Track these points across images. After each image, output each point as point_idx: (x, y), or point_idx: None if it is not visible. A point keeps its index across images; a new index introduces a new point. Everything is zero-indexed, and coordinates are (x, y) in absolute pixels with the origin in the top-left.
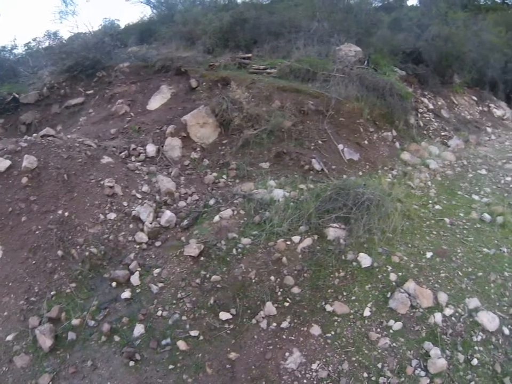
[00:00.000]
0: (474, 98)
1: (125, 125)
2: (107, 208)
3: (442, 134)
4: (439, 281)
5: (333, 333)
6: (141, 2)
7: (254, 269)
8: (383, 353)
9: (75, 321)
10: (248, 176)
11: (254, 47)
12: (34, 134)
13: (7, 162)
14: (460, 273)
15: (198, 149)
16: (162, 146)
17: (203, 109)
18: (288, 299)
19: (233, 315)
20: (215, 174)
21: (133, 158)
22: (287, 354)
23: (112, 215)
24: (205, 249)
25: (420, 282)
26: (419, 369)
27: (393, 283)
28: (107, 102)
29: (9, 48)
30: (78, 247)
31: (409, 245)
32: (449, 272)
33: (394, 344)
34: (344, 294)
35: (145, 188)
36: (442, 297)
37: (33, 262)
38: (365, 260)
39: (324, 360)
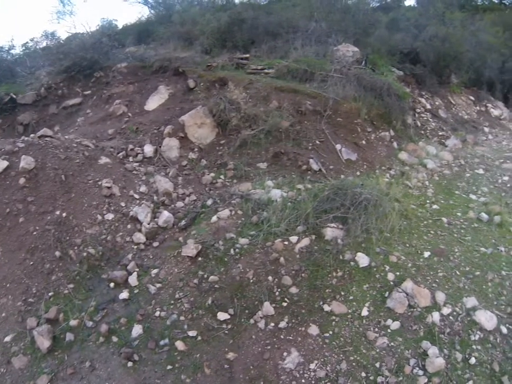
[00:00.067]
0: (472, 98)
1: (123, 125)
2: (105, 209)
3: (440, 134)
4: (437, 280)
5: (331, 332)
6: (139, 2)
7: (252, 269)
8: (381, 353)
9: (73, 322)
10: (246, 176)
11: (251, 48)
12: (32, 135)
13: (5, 163)
14: (457, 272)
15: (196, 149)
16: (160, 146)
17: (201, 109)
18: (286, 299)
19: (231, 315)
20: (212, 174)
21: (130, 159)
22: (285, 354)
23: (110, 216)
24: (202, 250)
25: (417, 281)
26: (417, 369)
27: (391, 283)
28: (105, 102)
29: (7, 49)
30: (75, 247)
31: (407, 245)
32: (447, 272)
33: (392, 344)
34: (342, 293)
35: (143, 189)
36: (440, 296)
37: (31, 263)
38: (363, 260)
39: (322, 359)
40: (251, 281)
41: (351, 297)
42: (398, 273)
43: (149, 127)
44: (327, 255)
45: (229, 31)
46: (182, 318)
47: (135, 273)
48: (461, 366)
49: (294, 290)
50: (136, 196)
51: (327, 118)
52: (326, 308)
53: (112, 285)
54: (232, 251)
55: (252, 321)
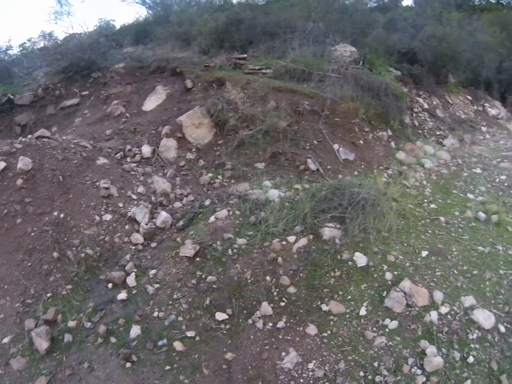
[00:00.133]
0: (469, 97)
1: (121, 126)
2: (103, 210)
3: (437, 133)
4: (435, 279)
5: (329, 332)
6: (137, 2)
7: (250, 269)
8: (379, 352)
9: (71, 323)
10: (244, 176)
11: (249, 48)
12: (29, 135)
13: (2, 164)
14: (455, 271)
15: (194, 149)
16: (158, 147)
17: (198, 110)
18: (284, 299)
19: (229, 315)
20: (210, 174)
21: (128, 159)
22: (283, 354)
23: (107, 216)
24: (200, 250)
25: (415, 281)
26: (415, 368)
27: (389, 282)
28: (102, 103)
29: (4, 49)
30: (73, 248)
31: (405, 244)
32: (444, 271)
33: (390, 343)
34: (340, 293)
35: (140, 189)
36: (438, 295)
37: (29, 264)
38: (361, 259)
39: (320, 359)
40: (249, 281)
41: (349, 297)
42: (396, 272)
43: (147, 127)
44: (325, 255)
45: (227, 31)
46: (180, 318)
47: (133, 273)
48: (459, 365)
49: (292, 290)
50: (134, 197)
51: (325, 118)
52: (324, 307)
53: (110, 285)
54: (230, 251)
55: (250, 321)
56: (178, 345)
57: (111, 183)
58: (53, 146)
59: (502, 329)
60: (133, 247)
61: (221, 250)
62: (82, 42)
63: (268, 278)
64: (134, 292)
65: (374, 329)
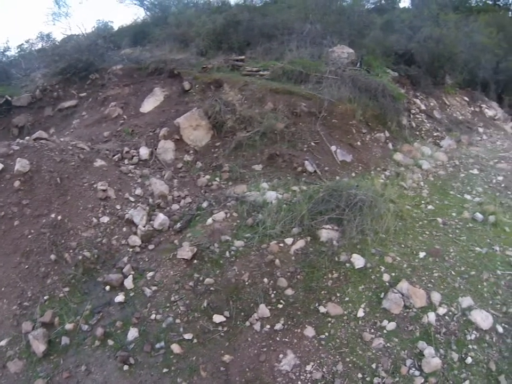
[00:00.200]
0: (466, 99)
1: (118, 127)
2: (100, 212)
3: (435, 134)
4: (432, 280)
5: (326, 334)
6: (135, 4)
7: (247, 271)
8: (377, 354)
9: (68, 326)
10: (241, 178)
11: (247, 49)
12: (27, 137)
13: None
14: (452, 272)
15: (191, 151)
16: (156, 149)
17: (196, 112)
18: (281, 301)
19: (227, 318)
20: (208, 176)
21: (126, 161)
22: (281, 356)
23: (105, 219)
24: (198, 252)
25: (413, 282)
26: (413, 369)
27: (387, 283)
28: (100, 104)
29: (2, 50)
30: (71, 251)
31: (402, 245)
32: (442, 272)
33: (388, 344)
34: (338, 295)
35: (138, 191)
36: (436, 296)
37: (26, 266)
38: (358, 261)
39: (318, 361)
40: (246, 283)
41: (346, 299)
42: (393, 274)
43: (144, 129)
44: (322, 257)
45: (225, 33)
46: (177, 320)
47: (131, 276)
48: (457, 365)
49: (289, 292)
50: (132, 199)
51: (322, 120)
52: (322, 309)
53: (107, 288)
54: (227, 253)
55: (247, 323)
56: (176, 348)
57: (108, 185)
58: (51, 148)
59: (500, 329)
60: (131, 250)
61: (218, 252)
62: (80, 44)
63: (265, 280)
64: (131, 294)
65: (372, 330)
